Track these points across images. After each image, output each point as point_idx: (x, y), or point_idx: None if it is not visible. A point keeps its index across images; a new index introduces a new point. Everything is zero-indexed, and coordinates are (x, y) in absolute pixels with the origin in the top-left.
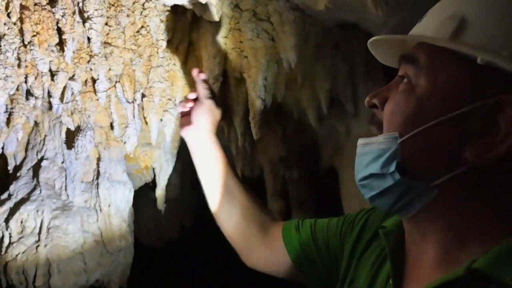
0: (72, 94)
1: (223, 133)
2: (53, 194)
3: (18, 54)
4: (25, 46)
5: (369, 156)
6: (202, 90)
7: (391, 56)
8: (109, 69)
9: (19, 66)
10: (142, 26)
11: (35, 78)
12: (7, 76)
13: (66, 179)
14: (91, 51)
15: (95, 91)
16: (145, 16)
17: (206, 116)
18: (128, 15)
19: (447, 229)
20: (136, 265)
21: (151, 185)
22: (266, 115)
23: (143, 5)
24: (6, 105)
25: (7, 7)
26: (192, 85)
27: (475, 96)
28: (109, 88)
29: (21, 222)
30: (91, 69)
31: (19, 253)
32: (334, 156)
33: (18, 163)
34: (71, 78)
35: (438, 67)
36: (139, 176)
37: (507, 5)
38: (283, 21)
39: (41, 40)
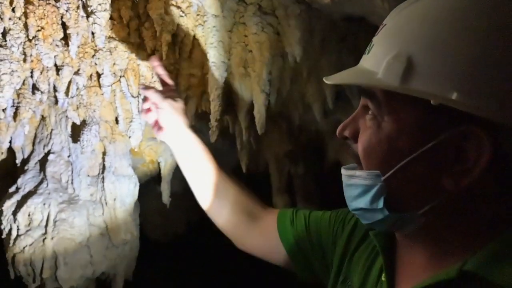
0: (77, 88)
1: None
2: (60, 187)
3: (24, 48)
4: (30, 40)
5: (357, 189)
6: (155, 95)
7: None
8: (114, 64)
9: (24, 60)
10: (146, 21)
11: (41, 72)
12: (12, 71)
13: (72, 173)
14: (96, 46)
15: (100, 86)
16: (149, 10)
17: (171, 117)
18: (132, 9)
19: (435, 242)
20: (142, 258)
21: (157, 179)
22: (271, 110)
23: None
24: (13, 100)
25: (11, 2)
26: (196, 78)
27: (439, 130)
28: (114, 83)
29: (29, 215)
30: (95, 64)
31: (26, 246)
32: (340, 151)
33: (25, 156)
34: (76, 73)
35: (397, 106)
36: (145, 171)
37: (449, 42)
38: (288, 14)
39: (46, 34)
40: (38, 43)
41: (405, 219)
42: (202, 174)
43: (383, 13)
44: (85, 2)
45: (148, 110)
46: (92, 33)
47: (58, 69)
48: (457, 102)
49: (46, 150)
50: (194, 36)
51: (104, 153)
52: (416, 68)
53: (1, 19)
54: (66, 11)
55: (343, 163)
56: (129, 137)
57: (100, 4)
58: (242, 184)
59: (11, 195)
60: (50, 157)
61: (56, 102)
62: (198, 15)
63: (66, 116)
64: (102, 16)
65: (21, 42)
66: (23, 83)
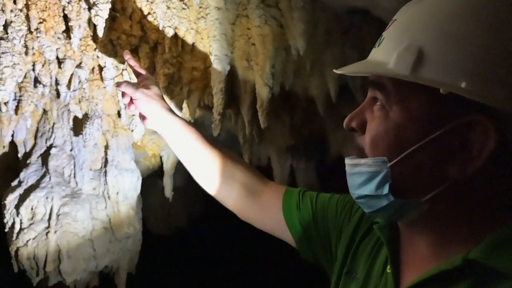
0: (80, 81)
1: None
2: (62, 181)
3: (25, 41)
4: (31, 33)
5: (361, 177)
6: (128, 88)
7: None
8: (116, 56)
9: (26, 53)
10: (149, 13)
11: (43, 65)
12: (14, 63)
13: (74, 166)
14: (98, 38)
15: (102, 79)
16: (152, 3)
17: (148, 105)
18: (134, 2)
19: (439, 231)
20: (144, 252)
21: (159, 173)
22: (274, 104)
23: None
24: (15, 93)
25: None
26: (199, 71)
27: (445, 119)
28: (116, 76)
29: (32, 209)
30: (98, 57)
31: (29, 239)
32: (343, 145)
33: (27, 150)
34: (78, 66)
35: (406, 95)
36: (147, 164)
37: (460, 34)
38: (291, 7)
39: (48, 27)
40: (40, 36)
41: (409, 205)
42: (196, 156)
43: (388, 6)
44: None
45: (130, 103)
46: (94, 25)
47: (60, 62)
48: (466, 91)
49: (48, 144)
50: (196, 29)
51: (106, 147)
52: (427, 58)
53: (3, 11)
54: (68, 3)
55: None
56: (132, 130)
57: None
58: (237, 156)
59: (13, 189)
60: (53, 151)
61: (58, 95)
62: (200, 7)
63: (68, 110)
64: (104, 8)
65: (22, 35)
66: (25, 76)
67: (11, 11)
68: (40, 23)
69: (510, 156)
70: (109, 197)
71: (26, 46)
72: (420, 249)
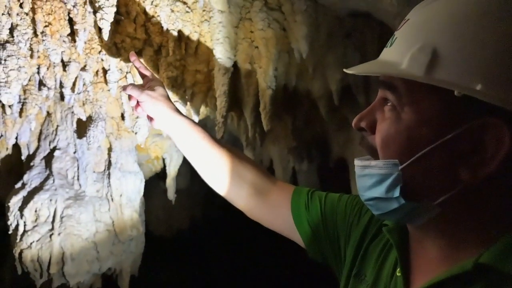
0: (84, 84)
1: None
2: (66, 183)
3: (31, 44)
4: (36, 36)
5: (371, 179)
6: (133, 91)
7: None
8: (120, 60)
9: (31, 56)
10: (153, 16)
11: (47, 68)
12: (20, 66)
13: (78, 169)
14: (102, 41)
15: (106, 82)
16: (156, 6)
17: (154, 106)
18: (138, 5)
19: (449, 234)
20: (146, 254)
21: (161, 176)
22: (277, 106)
23: None
24: (19, 96)
25: None
26: (202, 74)
27: (458, 121)
28: (120, 79)
29: (35, 211)
30: (102, 60)
31: (33, 241)
32: (345, 148)
33: (31, 152)
34: (83, 69)
35: (419, 97)
36: (150, 167)
37: (476, 36)
38: (294, 10)
39: (53, 30)
40: (46, 39)
41: (420, 209)
42: (204, 155)
43: (389, 9)
44: None
45: (136, 106)
46: (100, 29)
47: (64, 65)
48: (481, 93)
49: (51, 146)
50: (200, 32)
51: (110, 149)
52: (441, 59)
53: (9, 14)
54: (73, 6)
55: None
56: (135, 133)
57: (107, 0)
58: (244, 154)
59: (17, 191)
60: (56, 153)
61: (62, 98)
62: (204, 10)
63: (72, 112)
64: (110, 12)
65: (28, 38)
66: (30, 79)
67: (17, 14)
68: (46, 26)
69: None
70: (112, 199)
71: (31, 49)
72: (430, 252)
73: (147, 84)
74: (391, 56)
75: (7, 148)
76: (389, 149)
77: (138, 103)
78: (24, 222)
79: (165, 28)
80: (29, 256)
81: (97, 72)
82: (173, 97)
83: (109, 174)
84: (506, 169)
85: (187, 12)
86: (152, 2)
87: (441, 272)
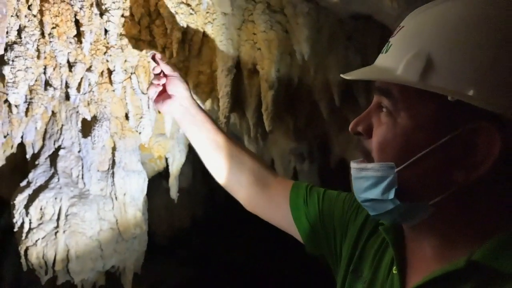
0: (89, 85)
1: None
2: (70, 182)
3: (38, 45)
4: (43, 37)
5: (367, 181)
6: (166, 66)
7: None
8: (125, 61)
9: (38, 57)
10: (157, 18)
11: (54, 69)
12: (27, 67)
13: (82, 168)
14: (108, 43)
15: (111, 82)
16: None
17: (182, 85)
18: (143, 7)
19: (444, 234)
20: (148, 252)
21: (163, 175)
22: (278, 107)
23: None
24: (26, 96)
25: (27, 0)
26: (205, 75)
27: (452, 125)
28: (125, 79)
29: (41, 209)
30: (107, 61)
31: (39, 239)
32: (346, 149)
33: (36, 151)
34: (88, 69)
35: (413, 102)
36: (152, 166)
37: (469, 42)
38: (296, 13)
39: (60, 32)
40: (53, 40)
41: (415, 209)
42: (213, 145)
43: (391, 12)
44: (99, 0)
45: (159, 77)
46: (105, 30)
47: (70, 65)
48: (474, 98)
49: (56, 146)
50: (203, 34)
51: (114, 149)
52: (436, 66)
53: (17, 16)
54: (80, 8)
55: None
56: (139, 133)
57: (114, 2)
58: (246, 148)
59: (22, 189)
60: (61, 152)
61: (67, 98)
62: (207, 12)
63: (77, 112)
64: (116, 14)
65: (35, 39)
66: (36, 79)
67: (25, 16)
68: (53, 28)
69: None
70: (116, 198)
71: (38, 50)
72: (425, 251)
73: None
74: (386, 62)
75: (11, 147)
76: (385, 153)
77: (161, 76)
78: (30, 220)
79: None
80: (34, 253)
81: (102, 72)
82: None
83: (113, 173)
84: (497, 171)
85: (191, 14)
86: (156, 3)
87: (435, 269)
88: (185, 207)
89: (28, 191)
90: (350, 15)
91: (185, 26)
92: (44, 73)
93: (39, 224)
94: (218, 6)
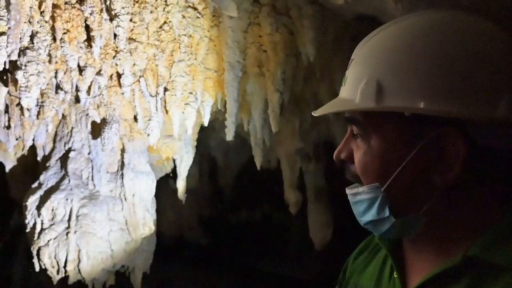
0: (99, 88)
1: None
2: (81, 183)
3: (50, 50)
4: (55, 42)
5: (362, 205)
6: None
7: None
8: (134, 64)
9: (50, 62)
10: (165, 22)
11: (65, 73)
12: (39, 72)
13: (92, 169)
14: (117, 47)
15: (120, 85)
16: (168, 12)
17: None
18: (151, 12)
19: (439, 238)
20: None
21: (171, 176)
22: (284, 108)
23: (165, 1)
24: (37, 99)
25: (40, 6)
26: (212, 79)
27: (418, 137)
28: (134, 83)
29: (52, 210)
30: (116, 64)
31: (50, 239)
32: None
33: (46, 153)
34: (98, 73)
35: (379, 124)
36: (160, 167)
37: (407, 62)
38: (302, 15)
39: (71, 37)
40: (64, 45)
41: (410, 221)
42: None
43: (394, 13)
44: (108, 5)
45: None
46: (114, 35)
47: (81, 69)
48: (425, 109)
49: (66, 148)
50: (210, 37)
51: (123, 150)
52: (385, 88)
53: (30, 22)
54: (90, 14)
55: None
56: (148, 135)
57: (123, 8)
58: None
59: (34, 190)
60: (71, 154)
61: (77, 101)
62: (214, 16)
63: (87, 115)
64: (125, 19)
65: (47, 45)
66: (47, 83)
67: (38, 22)
68: (64, 33)
69: (485, 156)
70: (125, 199)
71: (50, 55)
72: (423, 254)
73: None
74: (346, 94)
75: (23, 149)
76: (368, 176)
77: None
78: (41, 221)
79: (176, 34)
80: (46, 253)
81: (111, 76)
82: (183, 101)
83: (122, 174)
84: (472, 167)
85: (198, 17)
86: (164, 8)
87: (434, 268)
88: (192, 208)
89: (40, 193)
90: (354, 17)
91: (191, 30)
92: (55, 77)
93: (51, 225)
94: (225, 9)
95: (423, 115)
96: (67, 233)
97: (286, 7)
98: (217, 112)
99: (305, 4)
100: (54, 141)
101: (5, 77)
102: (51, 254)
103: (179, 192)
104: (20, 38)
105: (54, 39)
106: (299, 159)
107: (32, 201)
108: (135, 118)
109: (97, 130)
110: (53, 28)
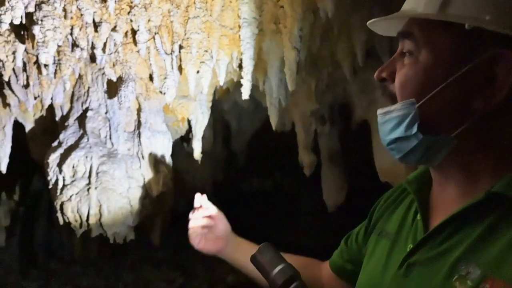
0: (115, 45)
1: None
2: (99, 142)
3: (65, 5)
4: None
5: (391, 123)
6: (212, 207)
7: (391, 30)
8: (149, 20)
9: (65, 17)
10: None
11: (80, 29)
12: (55, 27)
13: (110, 128)
14: (132, 2)
15: (135, 43)
16: None
17: (227, 225)
18: None
19: (466, 169)
20: (171, 217)
21: (185, 138)
22: (300, 68)
23: None
24: (54, 57)
25: None
26: (227, 37)
27: (471, 55)
28: (149, 40)
29: (73, 167)
30: (131, 20)
31: (72, 194)
32: (368, 110)
33: (64, 113)
34: (113, 29)
35: (433, 37)
36: (175, 129)
37: None
38: None
39: None
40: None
41: (438, 143)
42: None
43: None
44: None
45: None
46: None
47: (96, 26)
48: (490, 23)
49: (84, 107)
50: None
51: (139, 110)
52: None
53: None
54: None
55: (370, 123)
56: (164, 93)
57: None
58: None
59: (54, 149)
60: (89, 113)
61: (92, 60)
62: None
63: (103, 74)
64: None
65: None
66: (63, 40)
67: None
68: None
69: None
70: (143, 157)
71: (65, 10)
72: (450, 192)
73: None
74: (409, 6)
75: (41, 110)
76: (406, 90)
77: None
78: (63, 177)
79: None
80: (69, 208)
81: (126, 33)
82: (199, 59)
83: (139, 133)
84: None
85: None
86: None
87: (457, 207)
88: (206, 171)
89: (60, 151)
90: None
91: None
92: (71, 34)
93: (72, 181)
94: None
95: (484, 31)
96: (88, 189)
97: None
98: (233, 72)
99: None
100: (72, 101)
101: (22, 33)
102: (73, 208)
103: (195, 153)
104: None
105: None
106: (314, 121)
107: (53, 159)
108: (151, 77)
109: (113, 89)
110: None
